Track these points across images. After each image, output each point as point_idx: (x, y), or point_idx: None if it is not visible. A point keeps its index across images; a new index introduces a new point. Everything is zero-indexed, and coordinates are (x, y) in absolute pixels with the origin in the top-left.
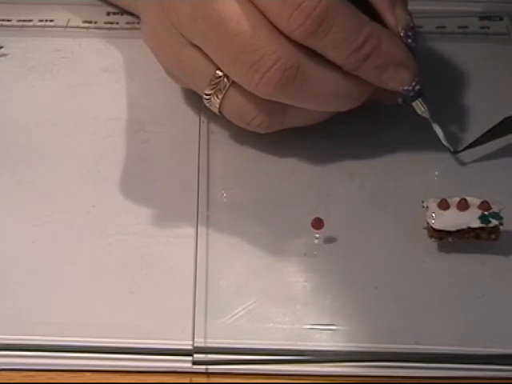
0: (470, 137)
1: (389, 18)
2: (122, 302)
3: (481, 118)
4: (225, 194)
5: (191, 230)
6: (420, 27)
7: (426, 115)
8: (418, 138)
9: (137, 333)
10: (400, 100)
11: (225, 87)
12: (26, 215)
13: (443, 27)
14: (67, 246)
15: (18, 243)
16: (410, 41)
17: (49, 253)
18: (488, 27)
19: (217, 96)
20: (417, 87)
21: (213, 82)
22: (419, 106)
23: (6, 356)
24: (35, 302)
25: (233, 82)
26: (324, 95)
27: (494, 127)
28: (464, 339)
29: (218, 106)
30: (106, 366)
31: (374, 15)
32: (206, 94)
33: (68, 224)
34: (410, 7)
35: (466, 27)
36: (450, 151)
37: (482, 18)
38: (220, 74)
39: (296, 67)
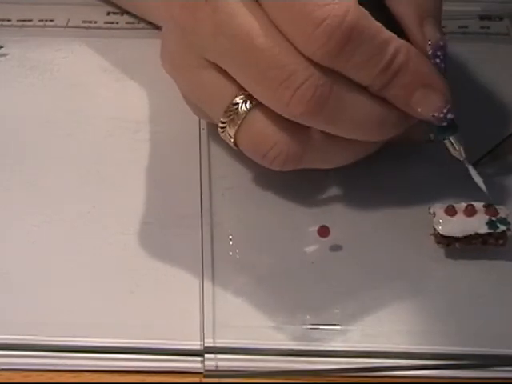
0: (470, 138)
1: (416, 34)
2: (121, 301)
3: (481, 118)
4: (225, 195)
5: (194, 230)
6: None
7: (460, 157)
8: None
9: (137, 333)
10: (432, 136)
11: (242, 115)
12: (26, 215)
13: (443, 27)
14: (67, 245)
15: (18, 243)
16: (438, 61)
17: (49, 253)
18: (488, 27)
19: (232, 125)
20: (449, 115)
21: (230, 109)
22: (452, 145)
23: (6, 356)
24: (35, 302)
25: (250, 109)
26: (359, 118)
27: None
28: (474, 340)
29: (233, 135)
30: (107, 366)
31: (401, 32)
32: (222, 122)
33: (68, 224)
34: None
35: (465, 27)
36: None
37: (482, 18)
38: (238, 100)
39: (330, 84)
